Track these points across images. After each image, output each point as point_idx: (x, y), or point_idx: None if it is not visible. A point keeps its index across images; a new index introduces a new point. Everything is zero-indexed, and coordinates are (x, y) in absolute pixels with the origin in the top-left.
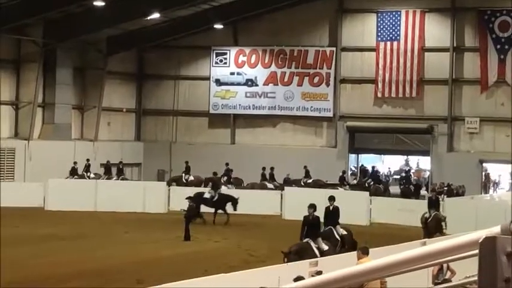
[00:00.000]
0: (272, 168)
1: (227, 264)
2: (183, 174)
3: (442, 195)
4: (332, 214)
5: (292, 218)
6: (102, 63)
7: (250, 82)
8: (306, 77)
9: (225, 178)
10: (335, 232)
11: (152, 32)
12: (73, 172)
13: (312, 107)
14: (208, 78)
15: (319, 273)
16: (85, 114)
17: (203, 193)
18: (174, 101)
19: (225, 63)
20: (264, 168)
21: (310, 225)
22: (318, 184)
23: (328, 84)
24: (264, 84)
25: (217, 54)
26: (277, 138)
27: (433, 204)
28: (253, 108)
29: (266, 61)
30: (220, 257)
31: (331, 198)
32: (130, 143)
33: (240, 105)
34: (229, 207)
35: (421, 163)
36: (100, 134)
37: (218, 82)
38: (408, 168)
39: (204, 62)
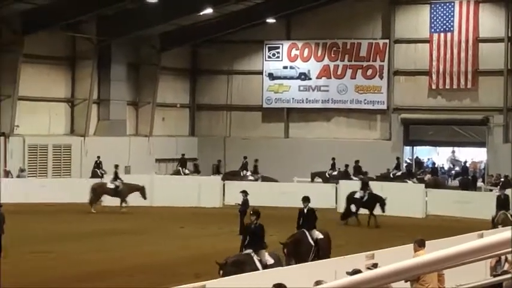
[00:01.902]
0: (334, 159)
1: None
2: (241, 170)
3: (498, 187)
4: (307, 217)
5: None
6: (156, 59)
7: (303, 76)
8: (359, 70)
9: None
10: (308, 236)
11: (205, 27)
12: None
13: (365, 99)
14: (261, 73)
15: (375, 265)
16: (139, 110)
17: (355, 192)
18: (227, 96)
19: (278, 57)
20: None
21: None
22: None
23: (381, 77)
24: (317, 78)
25: (270, 48)
26: (331, 132)
27: (503, 203)
28: (307, 102)
29: (319, 54)
30: (277, 250)
31: (306, 199)
32: (185, 138)
33: (293, 99)
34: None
35: (466, 154)
36: (154, 130)
37: (271, 76)
38: (465, 160)
39: (257, 56)
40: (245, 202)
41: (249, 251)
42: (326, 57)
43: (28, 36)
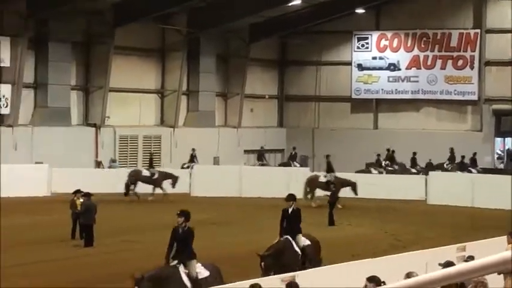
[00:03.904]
0: (414, 153)
1: (373, 249)
2: (383, 161)
3: None
4: (291, 219)
5: (437, 203)
6: (244, 51)
7: (392, 66)
8: (450, 60)
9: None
10: (293, 244)
11: (294, 18)
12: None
13: (455, 90)
14: (350, 63)
15: (471, 258)
16: (228, 101)
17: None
18: (316, 87)
19: (367, 47)
20: (378, 155)
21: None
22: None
23: (472, 67)
24: (406, 68)
25: (359, 39)
26: (421, 123)
27: None
28: (396, 93)
29: (409, 45)
30: (365, 242)
31: (290, 197)
32: (273, 129)
33: (382, 89)
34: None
35: None
36: (243, 121)
37: (360, 67)
38: None
39: (346, 47)
40: (333, 193)
41: (175, 262)
42: (416, 48)
43: (119, 28)
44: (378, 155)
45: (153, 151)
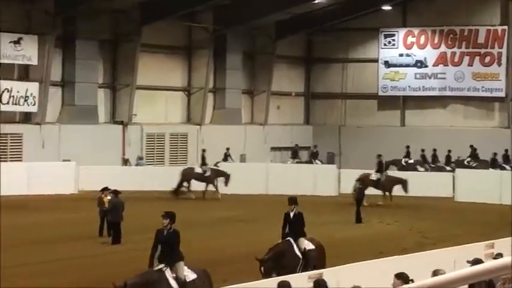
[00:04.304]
0: (449, 151)
1: (400, 247)
2: (403, 158)
3: None
4: (293, 222)
5: (464, 200)
6: (271, 48)
7: (419, 63)
8: (477, 57)
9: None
10: (295, 247)
11: (320, 15)
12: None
13: (483, 87)
14: (376, 61)
15: (499, 255)
16: (255, 99)
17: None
18: (342, 84)
19: (394, 44)
20: (423, 150)
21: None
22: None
23: (499, 64)
24: (433, 65)
25: (386, 36)
26: (448, 120)
27: None
28: (423, 90)
29: (435, 41)
30: (393, 240)
31: (292, 201)
32: (300, 126)
33: (409, 86)
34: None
35: None
36: (269, 118)
37: (387, 64)
38: None
39: (373, 44)
40: (361, 191)
41: (161, 265)
42: (443, 44)
43: (146, 26)
44: (408, 146)
45: (203, 148)
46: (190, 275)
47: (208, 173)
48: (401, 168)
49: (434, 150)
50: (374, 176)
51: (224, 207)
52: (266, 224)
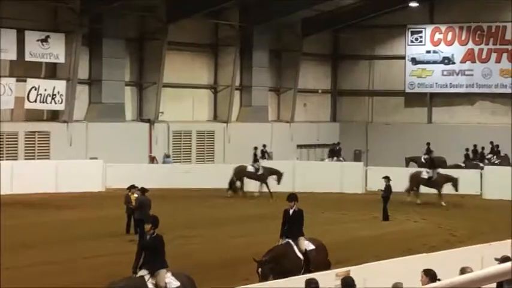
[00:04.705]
0: (483, 148)
1: (428, 244)
2: (423, 155)
3: None
4: (293, 220)
5: (492, 198)
6: (297, 45)
7: (446, 60)
8: (505, 54)
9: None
10: (295, 248)
11: (346, 12)
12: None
13: (511, 84)
14: (403, 57)
15: None
16: (281, 96)
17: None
18: (369, 81)
19: (421, 41)
20: (467, 149)
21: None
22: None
23: None
24: (461, 62)
25: (413, 33)
26: (475, 117)
27: None
28: (450, 87)
29: (463, 38)
30: (420, 237)
31: (292, 198)
32: (326, 123)
33: (436, 83)
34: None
35: None
36: (296, 116)
37: (414, 61)
38: None
39: (400, 40)
40: (387, 188)
41: (143, 272)
42: (470, 41)
43: (172, 24)
44: (429, 143)
45: (255, 146)
46: (173, 283)
47: (260, 171)
48: (421, 165)
49: (483, 148)
50: (425, 174)
51: (251, 205)
52: None
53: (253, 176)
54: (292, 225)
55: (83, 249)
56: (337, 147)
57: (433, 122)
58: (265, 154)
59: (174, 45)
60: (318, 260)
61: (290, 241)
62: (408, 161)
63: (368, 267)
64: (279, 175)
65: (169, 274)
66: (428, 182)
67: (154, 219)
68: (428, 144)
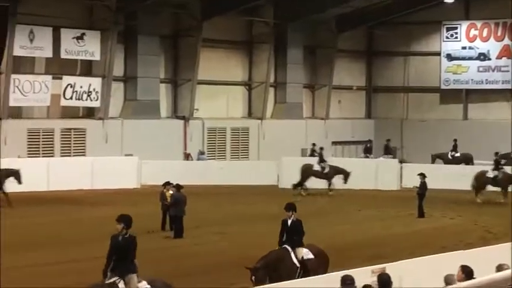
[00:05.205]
0: (455, 140)
1: (464, 241)
2: (450, 151)
3: None
4: (291, 231)
5: None
6: (332, 42)
7: (482, 56)
8: None
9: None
10: (292, 255)
11: (381, 8)
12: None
13: None
14: (439, 54)
15: None
16: (316, 93)
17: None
18: (404, 78)
19: (456, 37)
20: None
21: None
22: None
23: None
24: (497, 58)
25: (448, 29)
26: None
27: None
28: (486, 83)
29: (499, 34)
30: (456, 234)
31: (290, 208)
32: (361, 120)
33: (472, 80)
34: None
35: None
36: (331, 112)
37: (449, 57)
38: None
39: (435, 37)
40: (423, 185)
41: (114, 277)
42: (506, 37)
43: (207, 22)
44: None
45: (321, 146)
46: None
47: (327, 170)
48: (448, 162)
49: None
50: (491, 174)
51: (285, 201)
52: (326, 219)
53: (319, 174)
54: (291, 235)
55: None
56: (369, 145)
57: (468, 118)
58: (314, 152)
59: (209, 42)
60: (317, 269)
61: (287, 247)
62: (434, 158)
63: (404, 264)
64: (345, 174)
65: (144, 282)
66: (494, 181)
67: (126, 219)
68: (455, 140)
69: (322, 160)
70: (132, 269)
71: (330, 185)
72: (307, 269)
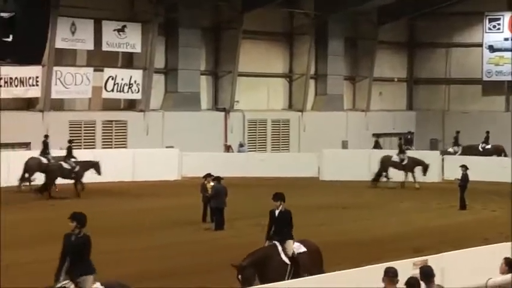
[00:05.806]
0: (488, 132)
1: (505, 234)
2: (481, 143)
3: None
4: (279, 221)
5: None
6: (373, 34)
7: None
8: None
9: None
10: (280, 251)
11: (423, 0)
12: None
13: None
14: (481, 45)
15: None
16: (357, 85)
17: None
18: (446, 69)
19: (499, 29)
20: None
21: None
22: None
23: None
24: None
25: (491, 20)
26: None
27: None
28: None
29: None
30: (497, 226)
31: (278, 197)
32: (402, 112)
33: None
34: None
35: None
36: (372, 104)
37: (491, 48)
38: None
39: (477, 28)
40: (464, 177)
41: (65, 281)
42: None
43: (247, 13)
44: (488, 132)
45: (400, 137)
46: None
47: (406, 161)
48: (479, 154)
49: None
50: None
51: (326, 193)
52: (369, 211)
53: (398, 165)
54: (280, 227)
55: (159, 237)
56: (409, 136)
57: (510, 110)
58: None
59: (249, 34)
60: (310, 264)
61: (276, 243)
62: (464, 150)
63: (446, 257)
64: (424, 166)
65: (98, 284)
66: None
67: (79, 217)
68: (487, 132)
69: (401, 151)
70: (88, 270)
71: (413, 177)
72: (298, 265)
